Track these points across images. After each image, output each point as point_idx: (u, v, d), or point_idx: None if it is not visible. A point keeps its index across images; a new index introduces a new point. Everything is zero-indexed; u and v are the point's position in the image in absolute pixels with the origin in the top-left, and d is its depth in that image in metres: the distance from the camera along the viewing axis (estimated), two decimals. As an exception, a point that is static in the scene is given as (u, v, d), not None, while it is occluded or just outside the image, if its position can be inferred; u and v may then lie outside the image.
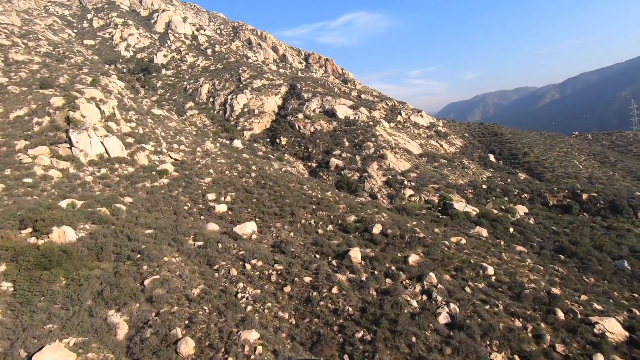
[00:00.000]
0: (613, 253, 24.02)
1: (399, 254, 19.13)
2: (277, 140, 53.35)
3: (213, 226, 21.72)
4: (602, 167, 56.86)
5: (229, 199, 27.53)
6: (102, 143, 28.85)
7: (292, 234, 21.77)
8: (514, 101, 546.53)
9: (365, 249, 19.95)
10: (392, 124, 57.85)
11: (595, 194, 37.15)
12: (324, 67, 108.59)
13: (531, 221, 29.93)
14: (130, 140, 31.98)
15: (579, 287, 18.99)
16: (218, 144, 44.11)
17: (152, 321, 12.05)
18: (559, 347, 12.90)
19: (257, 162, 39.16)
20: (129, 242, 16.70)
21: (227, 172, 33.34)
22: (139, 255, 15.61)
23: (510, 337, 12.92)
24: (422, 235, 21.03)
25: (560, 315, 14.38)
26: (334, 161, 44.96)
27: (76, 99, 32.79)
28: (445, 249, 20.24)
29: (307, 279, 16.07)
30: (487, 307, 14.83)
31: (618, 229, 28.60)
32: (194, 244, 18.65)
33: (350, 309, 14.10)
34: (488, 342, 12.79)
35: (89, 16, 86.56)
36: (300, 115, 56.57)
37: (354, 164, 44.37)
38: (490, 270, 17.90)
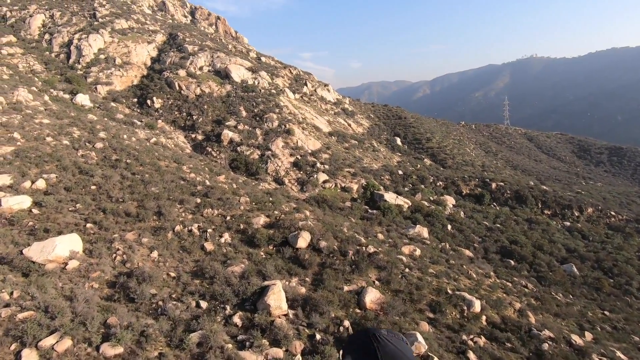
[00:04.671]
0: (554, 254, 21.46)
1: (346, 287, 11.60)
2: (149, 101, 39.76)
3: (-25, 246, 10.36)
4: (487, 156, 60.54)
5: (41, 184, 15.51)
6: None
7: (155, 254, 12.01)
8: (394, 92, 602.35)
9: (291, 279, 11.80)
10: (297, 96, 49.87)
11: (502, 184, 36.63)
12: (214, 26, 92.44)
13: (462, 215, 26.28)
14: None
15: (558, 311, 14.76)
16: (46, 97, 29.09)
17: None
18: None
19: (111, 128, 26.45)
20: None
21: (49, 138, 20.38)
22: None
23: None
24: (371, 249, 13.90)
25: (617, 394, 9.01)
26: (228, 134, 34.84)
27: None
28: (406, 269, 13.58)
29: (179, 382, 7.12)
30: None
31: (539, 223, 27.11)
32: None
33: None
34: None
35: None
36: (183, 73, 43.68)
37: (254, 138, 35.12)
38: (477, 306, 11.89)
